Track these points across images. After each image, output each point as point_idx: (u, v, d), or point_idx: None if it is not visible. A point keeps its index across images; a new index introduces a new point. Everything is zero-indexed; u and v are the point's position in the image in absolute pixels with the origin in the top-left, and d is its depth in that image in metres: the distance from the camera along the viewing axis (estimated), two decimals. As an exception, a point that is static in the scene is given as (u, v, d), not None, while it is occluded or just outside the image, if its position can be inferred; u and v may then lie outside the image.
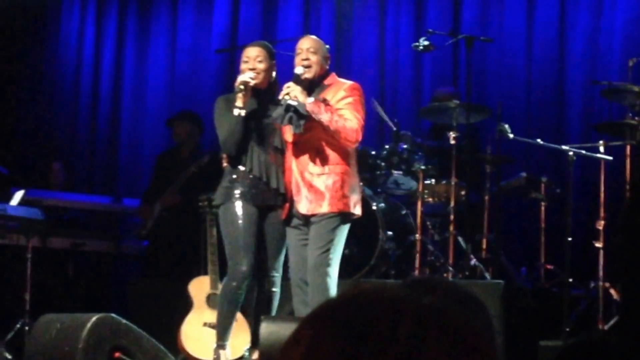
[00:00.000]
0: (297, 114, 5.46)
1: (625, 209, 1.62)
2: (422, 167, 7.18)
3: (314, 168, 5.60)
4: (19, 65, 10.16)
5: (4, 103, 10.10)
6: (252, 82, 5.65)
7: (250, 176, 5.73)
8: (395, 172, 7.32)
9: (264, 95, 5.81)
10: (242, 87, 5.61)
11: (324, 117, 5.47)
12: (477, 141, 7.61)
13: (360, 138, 5.63)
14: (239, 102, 5.63)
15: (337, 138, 5.54)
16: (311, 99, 5.50)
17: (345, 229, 5.63)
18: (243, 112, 5.62)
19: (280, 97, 5.52)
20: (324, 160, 5.59)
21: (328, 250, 5.52)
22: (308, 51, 5.65)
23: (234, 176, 5.76)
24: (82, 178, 9.72)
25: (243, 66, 5.77)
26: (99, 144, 9.95)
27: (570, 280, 6.53)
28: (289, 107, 5.46)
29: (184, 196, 7.77)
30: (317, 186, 5.58)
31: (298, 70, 5.63)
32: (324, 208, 5.55)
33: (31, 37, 10.20)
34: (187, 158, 8.07)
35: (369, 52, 9.12)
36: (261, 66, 5.74)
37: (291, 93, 5.47)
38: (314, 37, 5.87)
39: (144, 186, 8.88)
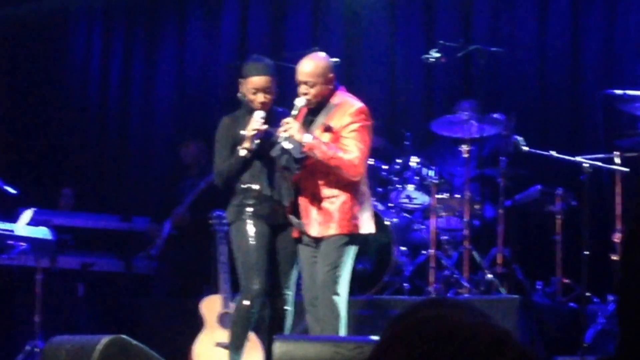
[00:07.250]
0: (292, 157, 5.37)
1: (634, 219, 1.52)
2: (435, 181, 7.10)
3: (323, 190, 5.51)
4: (27, 84, 10.13)
5: (13, 122, 10.08)
6: (264, 127, 5.55)
7: (262, 194, 5.65)
8: (408, 186, 7.24)
9: (271, 113, 5.70)
10: (253, 132, 5.51)
11: (322, 155, 5.37)
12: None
13: (361, 171, 5.49)
14: (246, 144, 5.54)
15: (338, 173, 5.43)
16: (309, 137, 5.38)
17: (353, 248, 5.55)
18: (248, 155, 5.55)
19: (278, 133, 5.42)
20: (333, 183, 5.49)
21: (336, 267, 5.45)
22: (306, 85, 5.51)
23: (246, 194, 5.68)
24: (91, 197, 9.65)
25: (251, 97, 5.65)
26: (108, 162, 9.89)
27: (588, 294, 6.42)
28: (284, 150, 5.37)
29: (194, 214, 7.70)
30: (326, 208, 5.49)
31: (299, 102, 5.50)
32: (332, 230, 5.46)
33: (38, 57, 10.18)
34: (196, 176, 8.01)
35: (379, 63, 9.03)
36: (270, 96, 5.65)
37: (289, 131, 5.36)
38: (312, 62, 5.56)
39: (153, 204, 8.81)
